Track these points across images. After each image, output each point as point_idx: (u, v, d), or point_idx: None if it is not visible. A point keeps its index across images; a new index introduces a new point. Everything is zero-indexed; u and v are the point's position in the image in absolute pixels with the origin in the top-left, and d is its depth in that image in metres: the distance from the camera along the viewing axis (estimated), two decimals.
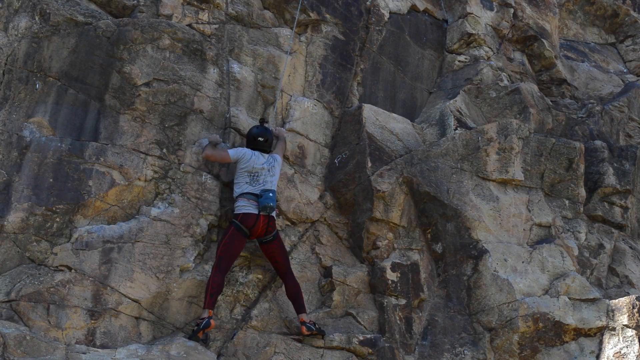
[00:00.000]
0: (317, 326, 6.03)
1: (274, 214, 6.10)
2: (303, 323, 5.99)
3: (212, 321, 5.63)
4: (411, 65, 8.07)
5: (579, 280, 6.59)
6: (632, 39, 10.52)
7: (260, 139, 6.31)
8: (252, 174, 6.15)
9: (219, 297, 5.96)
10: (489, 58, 8.41)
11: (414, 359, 6.29)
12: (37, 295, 5.33)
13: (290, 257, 6.38)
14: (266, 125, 6.53)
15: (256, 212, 6.00)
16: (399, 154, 7.02)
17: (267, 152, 6.35)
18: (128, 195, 5.94)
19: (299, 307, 6.06)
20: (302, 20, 7.38)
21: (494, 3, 8.78)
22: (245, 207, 6.01)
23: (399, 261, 6.60)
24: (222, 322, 5.90)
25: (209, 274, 5.85)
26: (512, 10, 8.84)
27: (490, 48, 8.50)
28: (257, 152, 6.25)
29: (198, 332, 5.63)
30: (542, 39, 8.87)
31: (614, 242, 7.45)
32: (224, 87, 6.67)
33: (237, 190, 6.14)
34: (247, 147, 6.33)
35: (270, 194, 6.03)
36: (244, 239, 5.99)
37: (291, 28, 7.29)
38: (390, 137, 7.12)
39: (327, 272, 6.49)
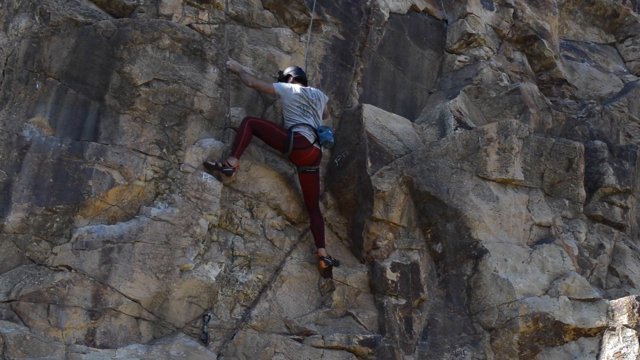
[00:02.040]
0: (332, 259, 6.41)
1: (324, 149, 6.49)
2: (321, 258, 6.35)
3: (234, 174, 6.16)
4: (411, 65, 8.07)
5: (579, 280, 6.59)
6: (632, 39, 10.52)
7: (303, 70, 6.75)
8: (302, 107, 6.48)
9: (219, 298, 5.97)
10: (489, 58, 8.41)
11: (414, 359, 6.29)
12: (37, 295, 5.33)
13: (290, 257, 6.39)
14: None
15: (312, 140, 6.37)
16: (399, 154, 7.02)
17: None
18: (128, 195, 5.94)
19: (320, 241, 6.43)
20: (302, 20, 7.38)
21: (494, 3, 8.78)
22: (302, 131, 6.37)
23: (399, 261, 6.60)
24: (222, 322, 5.90)
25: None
26: (512, 10, 8.84)
27: (490, 48, 8.50)
28: (299, 86, 6.57)
29: (217, 169, 6.13)
30: (542, 39, 8.87)
31: (614, 242, 7.45)
32: (224, 87, 6.67)
33: (289, 122, 6.47)
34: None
35: (330, 131, 6.41)
36: (283, 147, 6.38)
37: (291, 28, 7.30)
38: (390, 137, 7.12)
39: (327, 272, 6.49)
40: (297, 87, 6.55)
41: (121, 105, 6.12)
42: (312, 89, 6.68)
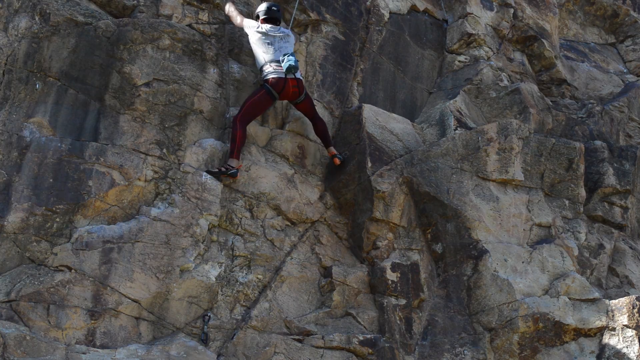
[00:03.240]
0: (342, 154, 6.86)
1: (299, 75, 6.59)
2: (334, 155, 6.81)
3: (238, 174, 6.26)
4: (411, 65, 8.07)
5: (579, 280, 6.59)
6: (632, 39, 10.52)
7: (274, 8, 6.83)
8: (266, 42, 6.64)
9: (219, 298, 5.97)
10: (489, 58, 8.41)
11: (414, 359, 6.29)
12: (37, 295, 5.33)
13: (290, 257, 6.39)
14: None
15: (283, 76, 6.50)
16: (399, 154, 7.02)
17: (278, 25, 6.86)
18: (128, 196, 5.94)
19: (327, 142, 6.85)
20: (302, 20, 7.38)
21: (494, 3, 8.78)
22: (272, 72, 6.54)
23: (399, 261, 6.60)
24: (222, 322, 5.90)
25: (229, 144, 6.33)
26: (512, 11, 8.84)
27: (490, 48, 8.50)
28: (267, 25, 6.74)
29: (222, 174, 6.22)
30: (542, 39, 8.86)
31: (614, 242, 7.45)
32: (224, 87, 6.67)
33: (259, 61, 6.66)
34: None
35: (291, 56, 6.49)
36: (272, 100, 6.58)
37: (291, 28, 7.30)
38: (390, 137, 7.12)
39: (327, 272, 6.49)
40: (264, 26, 6.71)
41: (121, 106, 6.12)
42: (281, 28, 6.82)
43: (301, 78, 6.66)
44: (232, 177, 6.27)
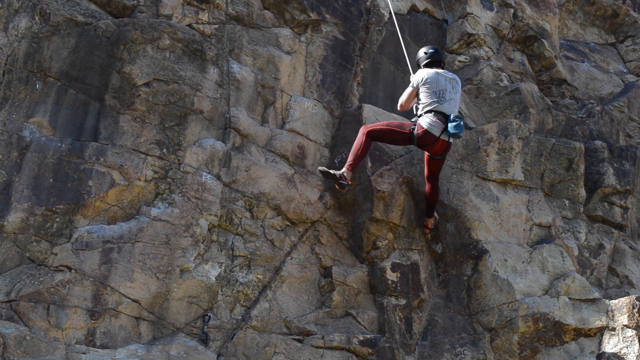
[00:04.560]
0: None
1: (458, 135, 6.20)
2: (426, 226, 6.69)
3: (347, 188, 6.21)
4: (411, 65, 8.07)
5: (579, 280, 6.59)
6: (632, 39, 10.52)
7: (436, 51, 6.62)
8: (438, 92, 6.28)
9: (219, 298, 5.97)
10: (489, 58, 8.41)
11: (414, 359, 6.29)
12: (37, 295, 5.33)
13: (290, 257, 6.39)
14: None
15: (437, 135, 6.17)
16: (399, 154, 7.02)
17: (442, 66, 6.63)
18: (128, 196, 5.94)
19: (429, 212, 6.63)
20: (302, 20, 7.38)
21: (494, 3, 8.78)
22: (431, 124, 6.18)
23: (399, 261, 6.60)
24: (222, 322, 5.90)
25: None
26: (512, 11, 8.84)
27: (490, 48, 8.50)
28: (435, 70, 6.45)
29: (334, 179, 6.15)
30: (542, 39, 8.86)
31: (614, 242, 7.45)
32: (224, 87, 6.67)
33: (422, 105, 6.29)
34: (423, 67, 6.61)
35: (462, 122, 6.14)
36: (406, 143, 6.35)
37: (291, 28, 7.31)
38: None
39: (327, 272, 6.49)
40: (429, 72, 6.41)
41: (121, 106, 6.12)
42: (448, 72, 6.54)
43: (451, 142, 6.32)
44: (341, 188, 6.19)
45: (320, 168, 6.31)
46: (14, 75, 5.91)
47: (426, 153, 6.48)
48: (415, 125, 6.29)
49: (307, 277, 6.43)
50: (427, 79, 6.36)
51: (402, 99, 6.54)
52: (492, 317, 6.45)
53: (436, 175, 6.54)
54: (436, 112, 6.23)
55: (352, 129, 7.06)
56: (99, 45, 6.17)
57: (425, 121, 6.22)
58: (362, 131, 6.34)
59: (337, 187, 6.29)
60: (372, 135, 6.30)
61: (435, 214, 6.74)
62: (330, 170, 6.25)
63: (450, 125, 6.13)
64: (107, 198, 5.83)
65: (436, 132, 6.19)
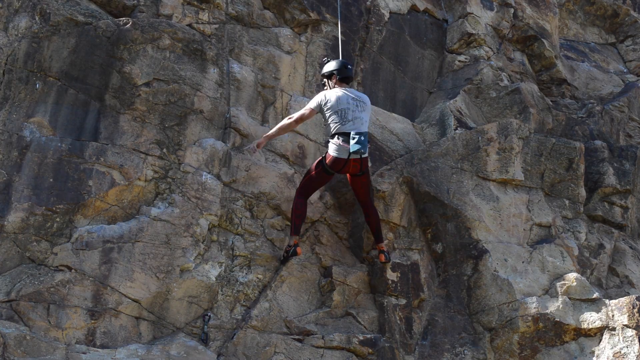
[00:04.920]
0: (389, 256, 6.44)
1: (367, 152, 6.18)
2: (382, 251, 6.38)
3: (298, 249, 6.19)
4: (411, 65, 8.07)
5: (579, 280, 6.59)
6: (632, 39, 10.52)
7: (349, 66, 6.46)
8: (340, 112, 6.22)
9: (219, 297, 5.97)
10: (489, 58, 8.41)
11: (414, 359, 6.29)
12: (37, 295, 5.33)
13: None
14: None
15: (345, 157, 6.14)
16: (399, 154, 7.02)
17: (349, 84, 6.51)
18: (128, 195, 5.94)
19: (378, 238, 6.41)
20: (302, 20, 7.38)
21: (494, 3, 8.78)
22: (337, 150, 6.16)
23: (399, 261, 6.60)
24: (222, 322, 5.90)
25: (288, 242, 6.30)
26: (512, 10, 8.84)
27: (490, 48, 8.50)
28: (339, 90, 6.32)
29: (288, 259, 6.24)
30: (542, 39, 8.86)
31: (614, 242, 7.45)
32: (224, 87, 6.67)
33: (329, 128, 6.28)
34: (328, 84, 6.49)
35: (362, 138, 6.06)
36: (330, 176, 6.35)
37: (291, 28, 7.31)
38: (391, 137, 7.12)
39: (327, 272, 6.49)
40: (334, 94, 6.27)
41: (121, 105, 6.12)
42: (354, 91, 6.41)
43: (367, 156, 6.21)
44: (294, 255, 6.20)
45: (280, 261, 6.32)
46: (14, 75, 5.91)
47: (347, 175, 6.38)
48: (324, 155, 6.26)
49: (307, 277, 6.43)
50: (327, 102, 6.25)
51: (295, 117, 6.32)
52: (492, 317, 6.45)
53: (366, 198, 6.40)
54: (340, 135, 6.17)
55: None
56: (99, 45, 6.17)
57: (332, 148, 6.18)
58: (296, 194, 6.32)
59: (294, 255, 6.22)
60: (302, 194, 6.27)
61: (386, 251, 6.44)
62: (282, 257, 6.29)
63: (351, 143, 6.05)
64: (107, 198, 5.83)
65: (344, 155, 6.12)
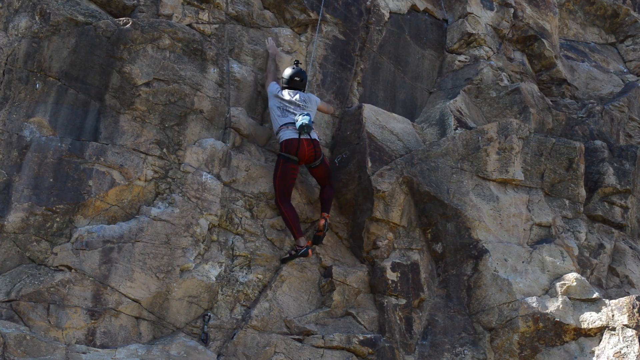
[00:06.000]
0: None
1: (315, 136, 6.46)
2: (324, 218, 6.46)
3: (310, 251, 6.27)
4: (411, 65, 8.07)
5: (579, 280, 6.59)
6: (632, 39, 10.52)
7: (296, 78, 6.70)
8: (282, 108, 6.51)
9: (219, 297, 5.97)
10: (489, 58, 8.41)
11: (414, 358, 6.29)
12: (37, 295, 5.33)
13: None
14: (300, 66, 6.99)
15: (296, 136, 6.36)
16: (399, 154, 7.02)
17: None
18: (128, 195, 5.94)
19: (326, 208, 6.54)
20: (302, 20, 7.38)
21: (494, 3, 8.77)
22: (285, 134, 6.40)
23: (399, 261, 6.60)
24: (222, 322, 5.90)
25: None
26: (512, 10, 8.84)
27: (490, 48, 8.50)
28: (289, 90, 6.64)
29: (294, 257, 6.26)
30: (542, 39, 8.86)
31: (614, 242, 7.45)
32: (224, 87, 6.67)
33: (274, 127, 6.54)
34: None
35: (306, 115, 6.36)
36: (296, 165, 6.41)
37: (291, 28, 7.31)
38: (391, 137, 7.12)
39: (327, 272, 6.49)
40: (284, 92, 6.61)
41: (121, 105, 6.12)
42: (301, 93, 6.66)
43: (318, 139, 6.51)
44: (304, 256, 6.28)
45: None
46: (14, 75, 5.91)
47: (309, 169, 6.61)
48: (279, 150, 6.45)
49: (307, 277, 6.43)
50: (275, 97, 6.59)
51: (268, 74, 6.78)
52: (492, 316, 6.45)
53: (327, 181, 6.65)
54: (284, 125, 6.44)
55: (352, 129, 7.06)
56: (99, 45, 6.17)
57: (280, 136, 6.44)
58: (275, 203, 6.40)
59: (304, 256, 6.29)
60: (282, 200, 6.34)
61: (323, 228, 6.51)
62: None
63: (297, 123, 6.35)
64: (107, 198, 5.83)
65: (294, 135, 6.37)
